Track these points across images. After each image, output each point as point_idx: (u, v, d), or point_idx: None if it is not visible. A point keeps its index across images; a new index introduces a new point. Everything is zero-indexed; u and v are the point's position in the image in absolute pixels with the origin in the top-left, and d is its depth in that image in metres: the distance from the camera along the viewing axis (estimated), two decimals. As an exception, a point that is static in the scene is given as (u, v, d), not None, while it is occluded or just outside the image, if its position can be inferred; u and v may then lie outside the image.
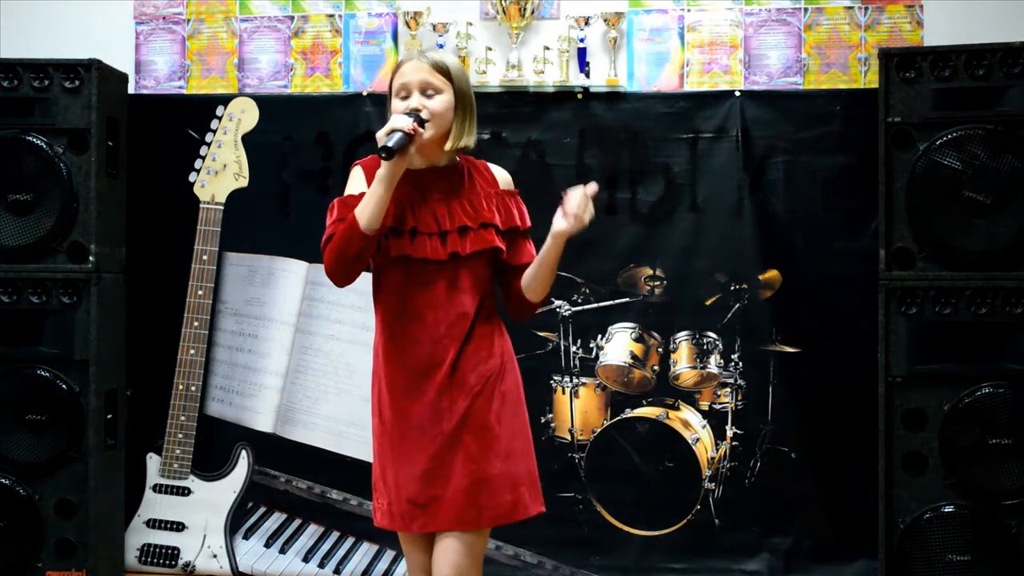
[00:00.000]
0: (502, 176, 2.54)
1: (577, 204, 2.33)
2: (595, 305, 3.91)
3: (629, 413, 3.91)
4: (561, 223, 2.36)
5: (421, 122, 2.36)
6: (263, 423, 4.03)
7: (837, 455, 3.79)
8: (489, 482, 2.39)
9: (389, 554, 3.91)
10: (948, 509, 3.40)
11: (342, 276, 2.39)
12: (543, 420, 3.93)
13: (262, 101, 4.02)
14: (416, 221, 2.41)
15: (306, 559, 3.96)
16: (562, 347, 3.92)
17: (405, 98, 2.40)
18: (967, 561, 3.36)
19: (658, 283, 3.90)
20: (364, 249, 2.34)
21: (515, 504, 2.44)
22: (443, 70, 2.41)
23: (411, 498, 2.41)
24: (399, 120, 2.32)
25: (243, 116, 4.01)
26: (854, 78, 3.91)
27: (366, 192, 2.35)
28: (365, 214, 2.32)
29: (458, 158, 2.50)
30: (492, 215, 2.45)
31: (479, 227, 2.42)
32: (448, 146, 2.42)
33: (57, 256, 3.66)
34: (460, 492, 2.38)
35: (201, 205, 4.01)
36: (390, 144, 2.27)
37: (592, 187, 2.36)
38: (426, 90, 2.40)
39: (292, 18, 4.11)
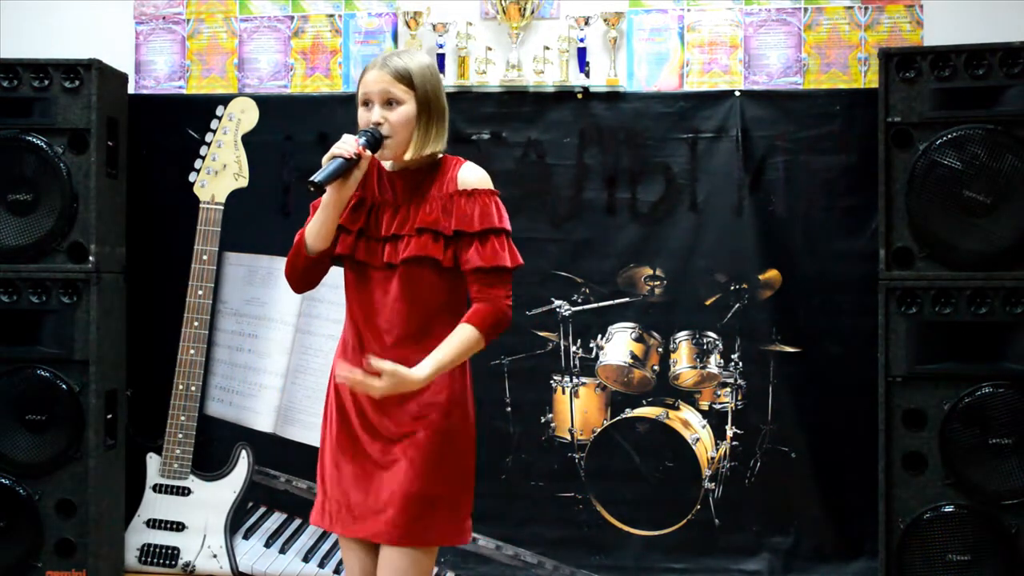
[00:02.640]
0: (468, 176, 2.36)
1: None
2: (595, 305, 3.91)
3: (629, 413, 3.91)
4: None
5: (377, 141, 2.29)
6: (263, 423, 4.03)
7: (837, 455, 3.79)
8: (427, 500, 2.29)
9: (389, 554, 3.91)
10: (948, 509, 3.40)
11: (296, 285, 2.41)
12: (543, 420, 3.93)
13: (262, 101, 4.02)
14: (366, 223, 2.35)
15: (306, 559, 3.96)
16: (562, 347, 3.92)
17: (368, 106, 2.34)
18: (967, 561, 3.36)
19: (658, 283, 3.90)
20: (310, 267, 2.34)
21: (450, 528, 2.35)
22: (405, 78, 2.31)
23: (342, 501, 2.35)
24: (342, 145, 2.24)
25: (243, 116, 4.01)
26: (854, 78, 3.91)
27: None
28: (310, 236, 2.31)
29: (440, 156, 2.40)
30: (433, 219, 2.31)
31: (414, 233, 2.30)
32: (408, 155, 2.33)
33: (57, 256, 3.66)
34: (392, 505, 2.29)
35: (201, 205, 4.01)
36: (318, 179, 2.20)
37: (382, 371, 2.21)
38: (387, 101, 2.31)
39: (292, 18, 4.11)
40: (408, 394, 2.29)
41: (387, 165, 2.41)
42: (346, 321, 2.42)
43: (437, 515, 2.32)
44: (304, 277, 2.38)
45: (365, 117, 2.34)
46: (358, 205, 2.36)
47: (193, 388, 3.99)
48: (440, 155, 2.40)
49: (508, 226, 2.35)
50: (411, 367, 2.25)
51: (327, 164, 2.23)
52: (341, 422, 2.38)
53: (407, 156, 2.34)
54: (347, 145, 2.24)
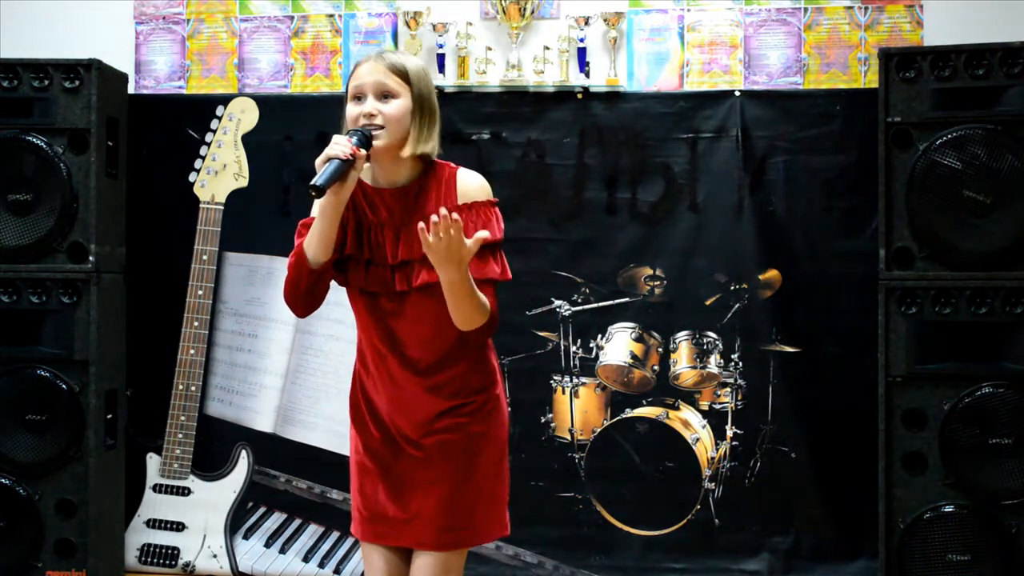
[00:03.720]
0: (468, 186, 2.31)
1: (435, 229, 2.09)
2: (595, 305, 3.91)
3: (629, 413, 3.91)
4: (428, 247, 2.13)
5: (367, 140, 2.23)
6: (263, 423, 4.03)
7: (837, 455, 3.79)
8: (468, 505, 2.31)
9: (389, 554, 3.91)
10: (948, 509, 3.40)
11: (300, 307, 2.32)
12: (543, 420, 3.93)
13: (262, 101, 4.02)
14: (371, 252, 2.29)
15: (306, 559, 3.96)
16: (562, 347, 3.92)
17: (360, 101, 2.28)
18: (967, 561, 3.36)
19: (658, 283, 3.90)
20: (315, 282, 2.27)
21: (492, 525, 2.36)
22: (401, 72, 2.27)
23: (378, 512, 2.34)
24: (335, 146, 2.18)
25: (243, 116, 4.01)
26: (854, 78, 3.91)
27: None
28: (311, 248, 2.23)
29: (430, 164, 2.33)
30: None
31: (424, 260, 2.19)
32: (405, 152, 2.27)
33: (57, 256, 3.66)
34: (435, 513, 2.29)
35: (201, 205, 4.01)
36: (319, 183, 2.13)
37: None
38: (382, 94, 2.26)
39: (292, 18, 4.11)
40: (440, 398, 2.30)
41: (369, 179, 2.34)
42: (363, 346, 2.37)
43: (478, 516, 2.33)
44: (309, 295, 2.29)
45: (355, 112, 2.27)
46: (357, 231, 2.31)
47: (193, 388, 3.99)
48: (427, 162, 2.33)
49: (502, 236, 2.32)
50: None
51: (324, 167, 2.16)
52: (380, 433, 2.35)
53: (404, 153, 2.27)
54: (341, 146, 2.18)
